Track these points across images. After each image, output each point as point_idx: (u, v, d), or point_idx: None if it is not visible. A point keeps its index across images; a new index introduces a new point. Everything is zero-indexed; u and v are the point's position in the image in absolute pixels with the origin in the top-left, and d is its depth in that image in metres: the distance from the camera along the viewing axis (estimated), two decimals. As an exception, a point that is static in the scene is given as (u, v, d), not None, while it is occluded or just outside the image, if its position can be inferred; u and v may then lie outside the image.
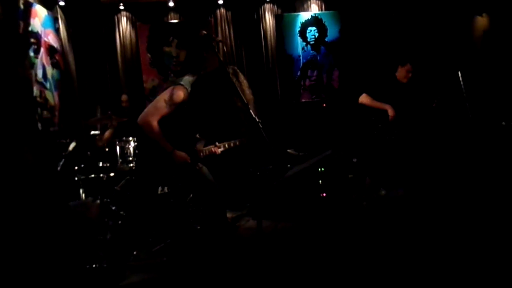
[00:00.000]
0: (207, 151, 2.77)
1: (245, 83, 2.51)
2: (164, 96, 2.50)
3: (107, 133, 4.20)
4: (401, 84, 4.08)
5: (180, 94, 2.49)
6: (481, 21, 6.25)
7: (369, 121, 4.08)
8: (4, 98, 1.11)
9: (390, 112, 3.89)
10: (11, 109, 1.10)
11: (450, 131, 4.88)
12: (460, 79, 4.12)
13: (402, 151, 4.01)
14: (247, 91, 2.46)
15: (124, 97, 4.81)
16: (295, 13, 6.16)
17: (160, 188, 3.59)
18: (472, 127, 4.27)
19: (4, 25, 1.07)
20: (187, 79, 2.56)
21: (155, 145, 2.51)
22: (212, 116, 2.60)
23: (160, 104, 2.48)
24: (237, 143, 2.90)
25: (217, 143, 2.84)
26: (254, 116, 2.13)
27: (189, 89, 2.52)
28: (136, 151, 3.61)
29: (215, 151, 2.80)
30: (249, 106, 2.22)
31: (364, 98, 4.06)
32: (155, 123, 2.46)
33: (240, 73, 2.54)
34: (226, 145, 2.85)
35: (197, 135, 2.77)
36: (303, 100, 6.18)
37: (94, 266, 2.75)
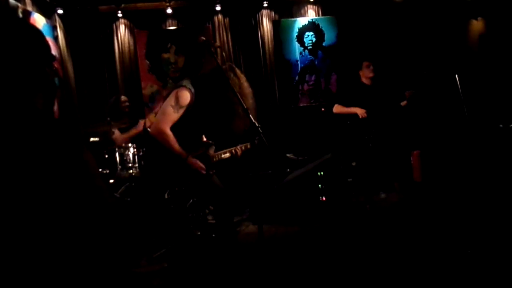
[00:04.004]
0: (218, 157, 2.73)
1: (243, 78, 2.51)
2: (170, 101, 2.46)
3: (127, 134, 4.24)
4: (366, 86, 4.42)
5: (186, 96, 2.45)
6: (477, 24, 6.30)
7: (346, 126, 4.43)
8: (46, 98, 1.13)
9: (359, 112, 4.27)
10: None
11: (448, 134, 4.90)
12: (458, 82, 4.15)
13: (382, 149, 4.25)
14: (247, 91, 2.46)
15: (123, 97, 4.70)
16: (293, 19, 6.19)
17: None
18: (470, 130, 4.30)
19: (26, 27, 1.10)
20: (187, 81, 2.54)
21: (167, 151, 2.46)
22: (215, 115, 2.56)
23: (168, 110, 2.44)
24: (243, 148, 2.83)
25: (225, 150, 2.81)
26: (254, 121, 2.14)
27: (193, 90, 2.48)
28: (145, 158, 3.58)
29: (235, 152, 2.74)
30: (248, 103, 2.25)
31: (336, 108, 4.51)
32: (168, 131, 2.42)
33: (236, 69, 2.54)
34: (233, 151, 2.79)
35: (209, 141, 2.74)
36: (301, 105, 6.20)
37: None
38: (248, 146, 2.81)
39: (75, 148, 1.10)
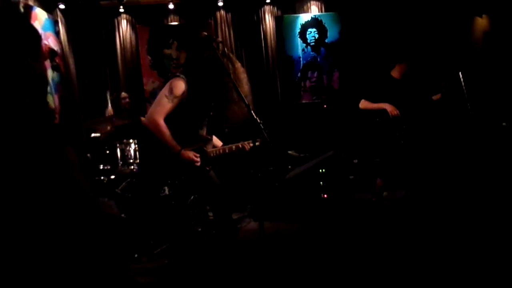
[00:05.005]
0: (215, 152, 2.68)
1: (237, 63, 2.46)
2: (164, 92, 2.42)
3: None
4: (396, 81, 4.12)
5: (180, 85, 2.41)
6: (481, 22, 6.25)
7: (375, 123, 4.12)
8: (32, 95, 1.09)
9: (389, 109, 3.95)
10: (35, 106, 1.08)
11: (451, 132, 4.87)
12: (461, 80, 4.11)
13: (414, 146, 4.01)
14: (242, 76, 2.42)
15: (123, 94, 4.67)
16: (295, 15, 6.16)
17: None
18: (473, 128, 4.26)
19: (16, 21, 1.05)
20: (182, 73, 2.51)
21: (161, 145, 2.42)
22: (210, 102, 2.52)
23: (162, 100, 2.40)
24: (242, 145, 2.77)
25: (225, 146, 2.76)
26: (255, 116, 2.11)
27: (186, 79, 2.45)
28: (140, 152, 3.56)
29: (242, 147, 2.66)
30: (244, 89, 2.21)
31: (363, 104, 4.16)
32: (161, 121, 2.37)
33: (231, 54, 2.49)
34: (233, 147, 2.73)
35: (207, 136, 2.69)
36: (303, 102, 6.18)
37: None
38: (251, 144, 2.73)
39: (55, 142, 1.08)
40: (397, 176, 4.10)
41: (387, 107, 3.95)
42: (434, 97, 4.18)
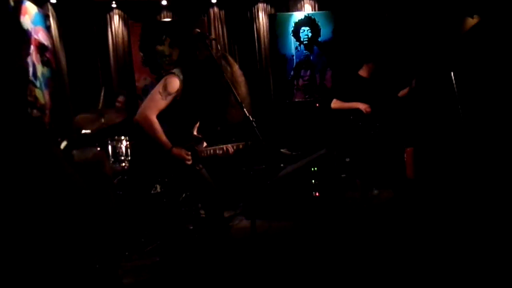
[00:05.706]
0: (207, 152, 2.66)
1: (235, 65, 2.44)
2: (158, 88, 2.39)
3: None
4: (364, 80, 4.16)
5: (175, 82, 2.38)
6: (472, 22, 6.30)
7: (349, 122, 4.16)
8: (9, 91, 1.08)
9: (362, 107, 3.99)
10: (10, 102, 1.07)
11: (442, 132, 4.91)
12: (453, 80, 4.14)
13: (388, 142, 4.07)
14: (239, 79, 2.41)
15: (121, 98, 4.65)
16: (289, 13, 6.16)
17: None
18: (464, 129, 4.30)
19: None
20: (178, 69, 2.47)
21: (152, 142, 2.40)
22: (207, 104, 2.49)
23: (156, 97, 2.37)
24: (235, 147, 2.76)
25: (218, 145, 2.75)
26: (248, 114, 2.11)
27: (182, 77, 2.42)
28: (132, 149, 3.53)
29: (226, 150, 2.64)
30: (241, 91, 2.21)
31: (334, 104, 4.20)
32: (153, 118, 2.35)
33: (229, 56, 2.46)
34: (224, 148, 2.68)
35: (199, 135, 2.68)
36: (296, 100, 6.19)
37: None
38: (241, 147, 2.72)
39: (43, 141, 1.07)
40: (374, 175, 4.15)
41: (360, 105, 3.99)
42: (401, 93, 4.22)
